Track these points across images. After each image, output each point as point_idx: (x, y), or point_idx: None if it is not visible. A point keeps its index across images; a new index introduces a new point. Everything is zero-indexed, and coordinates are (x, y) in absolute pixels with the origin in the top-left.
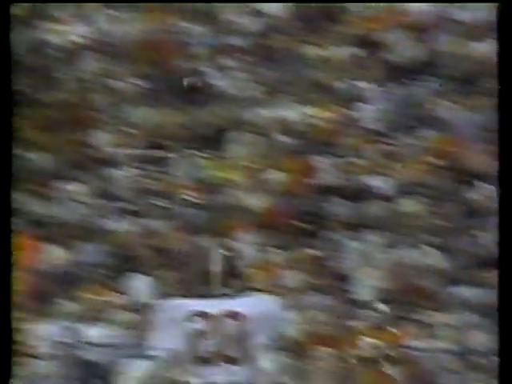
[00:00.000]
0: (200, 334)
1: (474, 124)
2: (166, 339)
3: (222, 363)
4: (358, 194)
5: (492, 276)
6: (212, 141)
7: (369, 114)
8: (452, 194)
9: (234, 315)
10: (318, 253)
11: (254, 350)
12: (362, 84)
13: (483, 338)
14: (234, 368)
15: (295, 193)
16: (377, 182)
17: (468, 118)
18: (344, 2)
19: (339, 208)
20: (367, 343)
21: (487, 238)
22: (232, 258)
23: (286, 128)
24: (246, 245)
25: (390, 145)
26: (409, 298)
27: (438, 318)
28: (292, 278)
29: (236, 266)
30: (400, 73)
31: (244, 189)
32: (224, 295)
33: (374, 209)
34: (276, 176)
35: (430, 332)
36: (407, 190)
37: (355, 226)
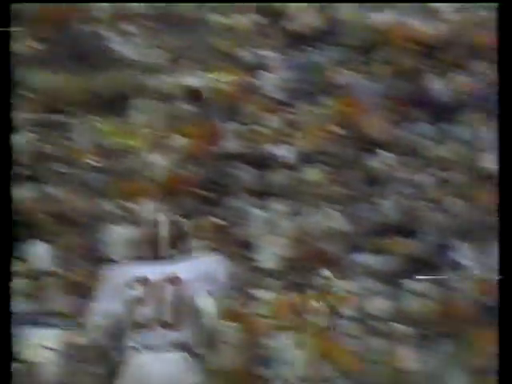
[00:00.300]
0: (138, 301)
1: (374, 92)
2: (107, 306)
3: (158, 328)
4: (262, 162)
5: (391, 243)
6: (114, 107)
7: (271, 81)
8: (353, 162)
9: (172, 280)
10: (221, 220)
11: (190, 314)
12: (264, 52)
13: (383, 304)
14: (170, 332)
15: (198, 160)
16: (279, 151)
17: (368, 86)
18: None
19: (243, 175)
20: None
21: (387, 206)
22: (177, 221)
23: (189, 95)
24: (149, 212)
25: (292, 113)
26: (312, 264)
27: (339, 284)
28: (195, 245)
29: (182, 229)
30: (301, 41)
31: (146, 155)
32: (169, 259)
33: (278, 177)
34: (179, 143)
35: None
36: (309, 158)
37: (259, 194)
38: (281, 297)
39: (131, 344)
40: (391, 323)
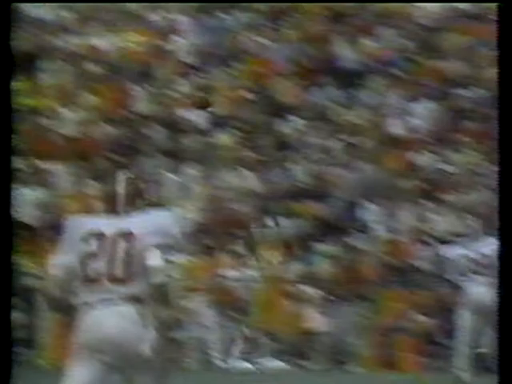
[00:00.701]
0: (91, 255)
1: (283, 57)
2: (62, 258)
3: (109, 283)
4: (173, 126)
5: (302, 206)
6: (22, 66)
7: (182, 46)
8: (264, 127)
9: (125, 235)
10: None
11: (140, 268)
12: (175, 16)
13: (293, 267)
14: (120, 287)
15: (110, 122)
16: (191, 115)
17: (278, 51)
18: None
19: (155, 139)
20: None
21: (297, 170)
22: (135, 179)
23: (99, 57)
24: (60, 175)
25: (203, 78)
26: (223, 229)
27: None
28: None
29: (139, 186)
30: (212, 6)
31: (56, 117)
32: (125, 214)
33: (189, 141)
34: (89, 105)
35: (243, 262)
36: (221, 122)
37: (171, 158)
38: (194, 260)
39: (83, 299)
40: (300, 285)
